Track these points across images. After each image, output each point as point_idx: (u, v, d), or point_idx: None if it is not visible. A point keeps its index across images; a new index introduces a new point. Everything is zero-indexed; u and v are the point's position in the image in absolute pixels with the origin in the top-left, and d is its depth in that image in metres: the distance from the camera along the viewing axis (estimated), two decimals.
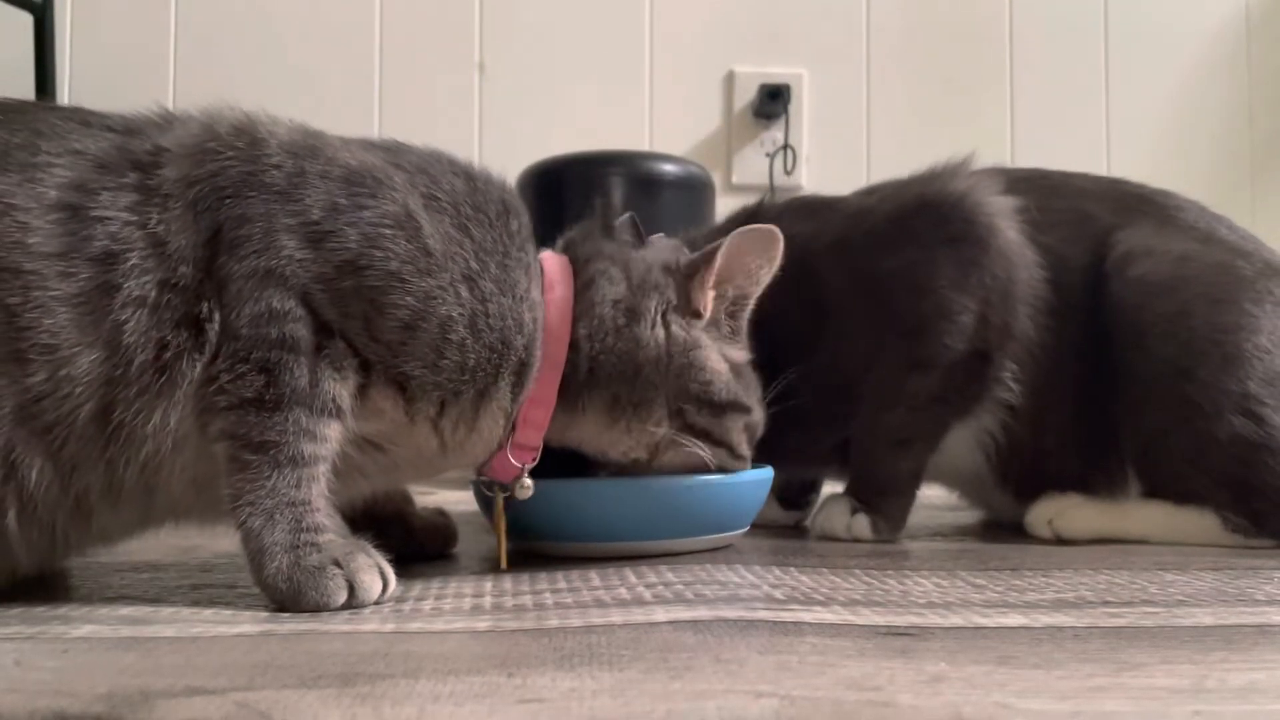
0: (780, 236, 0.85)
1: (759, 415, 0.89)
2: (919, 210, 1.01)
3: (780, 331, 0.99)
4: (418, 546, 0.88)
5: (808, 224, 1.04)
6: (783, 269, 0.98)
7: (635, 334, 0.82)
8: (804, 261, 1.01)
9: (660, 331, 0.83)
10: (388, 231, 0.71)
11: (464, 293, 0.73)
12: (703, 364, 0.84)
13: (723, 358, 0.86)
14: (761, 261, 0.86)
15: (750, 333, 0.91)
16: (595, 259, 0.85)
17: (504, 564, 0.83)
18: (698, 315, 0.85)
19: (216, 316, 0.69)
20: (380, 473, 0.78)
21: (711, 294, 0.85)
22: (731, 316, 0.87)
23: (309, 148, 0.73)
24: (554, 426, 0.81)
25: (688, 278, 0.85)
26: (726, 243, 0.85)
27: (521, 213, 0.80)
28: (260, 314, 0.68)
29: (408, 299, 0.71)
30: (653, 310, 0.83)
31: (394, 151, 0.78)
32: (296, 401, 0.69)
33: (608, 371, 0.81)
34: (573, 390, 0.81)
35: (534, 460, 0.81)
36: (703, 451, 0.84)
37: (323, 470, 0.70)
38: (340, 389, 0.71)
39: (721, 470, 0.86)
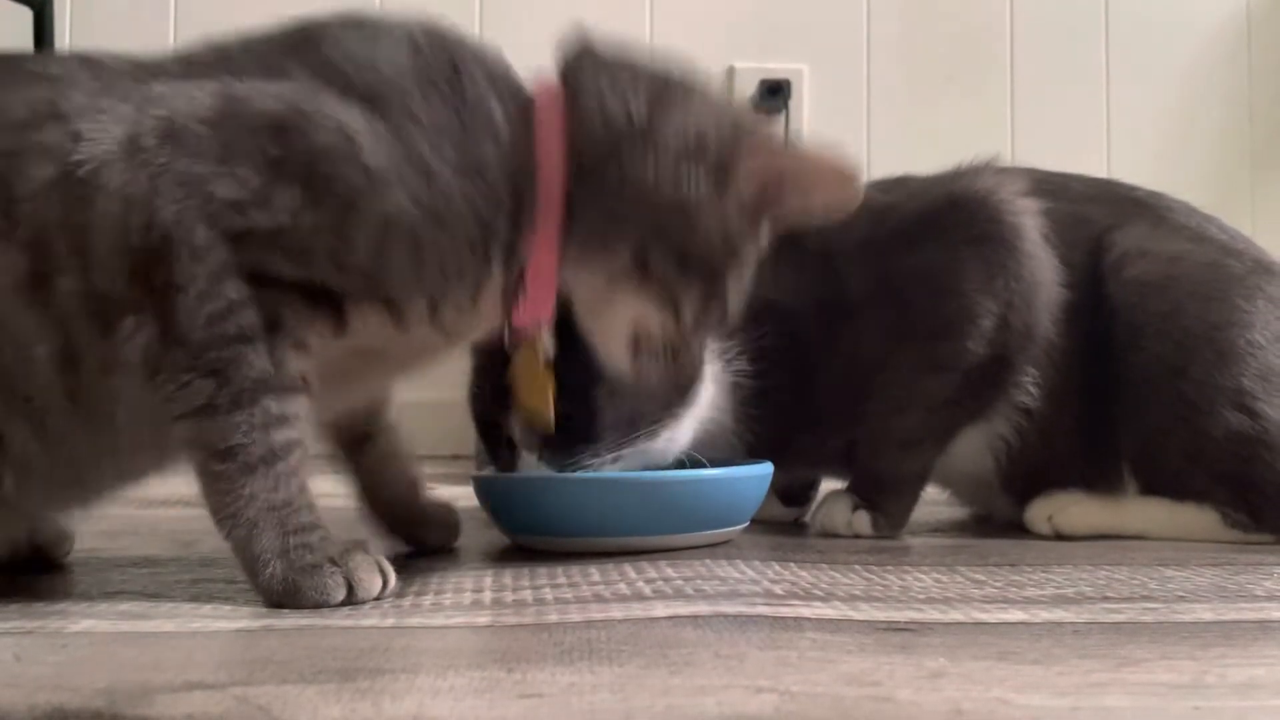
0: (857, 178, 0.77)
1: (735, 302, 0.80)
2: (945, 209, 1.01)
3: (797, 332, 0.99)
4: (421, 539, 0.88)
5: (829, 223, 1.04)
6: (802, 264, 0.97)
7: (635, 157, 0.73)
8: (827, 261, 1.00)
9: (667, 171, 0.73)
10: (326, 170, 0.66)
11: (424, 196, 0.68)
12: (695, 217, 0.74)
13: (721, 220, 0.75)
14: (822, 198, 0.78)
15: (763, 330, 0.90)
16: (592, 85, 0.75)
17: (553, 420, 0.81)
18: (725, 187, 0.74)
19: (145, 331, 0.65)
20: (383, 374, 0.76)
21: (757, 180, 0.76)
22: (756, 211, 0.77)
23: (229, 113, 0.67)
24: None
25: (736, 148, 0.75)
26: (805, 158, 0.77)
27: (478, 65, 0.73)
28: (218, 312, 0.65)
29: (367, 228, 0.67)
30: (669, 148, 0.74)
31: (317, 42, 0.71)
32: (261, 391, 0.65)
33: (590, 188, 0.73)
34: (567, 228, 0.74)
35: (550, 313, 0.76)
36: (659, 312, 0.76)
37: (298, 457, 0.67)
38: (304, 363, 0.67)
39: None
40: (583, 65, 0.78)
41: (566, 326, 0.80)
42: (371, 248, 0.68)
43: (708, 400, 0.95)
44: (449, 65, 0.72)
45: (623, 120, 0.74)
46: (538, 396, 0.82)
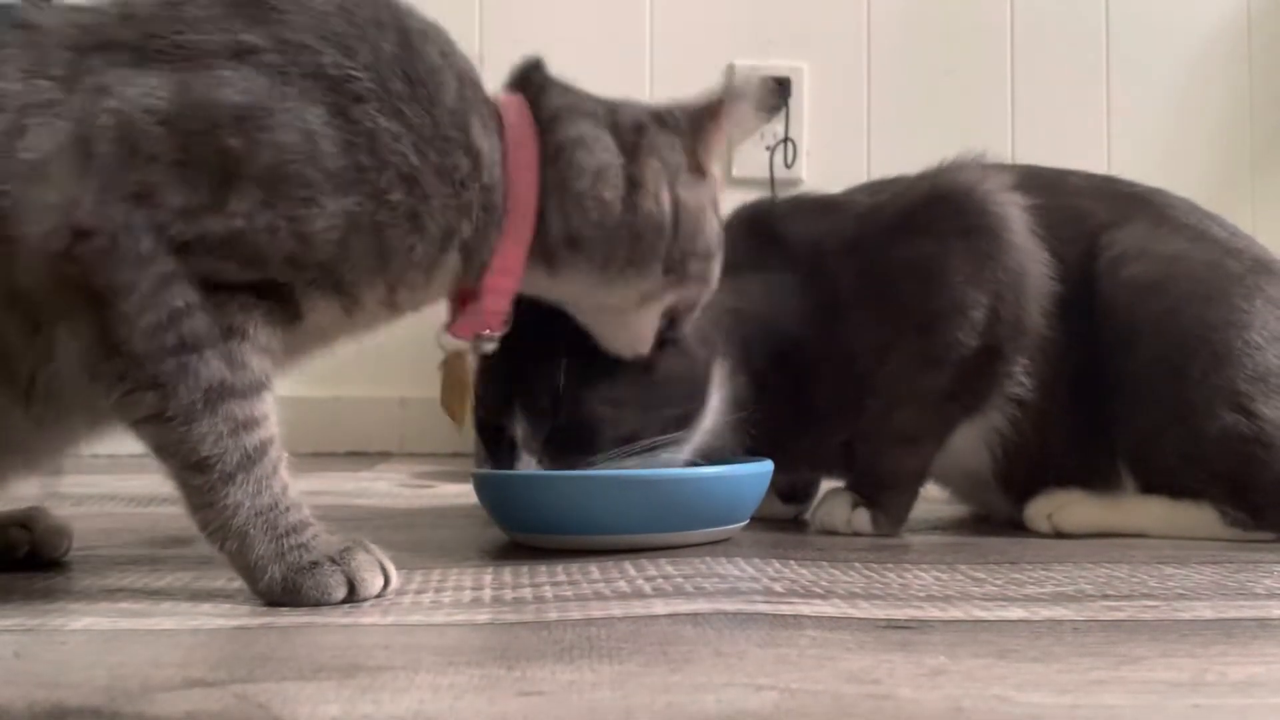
0: (770, 85, 0.85)
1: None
2: (931, 202, 1.01)
3: (793, 333, 0.99)
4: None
5: (819, 224, 1.04)
6: (795, 270, 0.98)
7: (635, 203, 0.77)
8: (817, 261, 1.01)
9: (666, 199, 0.78)
10: (287, 170, 0.64)
11: (389, 193, 0.66)
12: (705, 224, 0.81)
13: (713, 203, 0.82)
14: (758, 109, 0.84)
15: (762, 335, 0.90)
16: (565, 117, 0.77)
17: (463, 423, 0.81)
18: (702, 174, 0.81)
19: (81, 338, 0.63)
20: (319, 348, 0.74)
21: (719, 150, 0.82)
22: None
23: (185, 111, 0.64)
24: (536, 286, 0.78)
25: (694, 134, 0.81)
26: (730, 105, 0.81)
27: (459, 71, 0.72)
28: (158, 323, 0.62)
29: (328, 227, 0.65)
30: (656, 178, 0.78)
31: (283, 25, 0.67)
32: (221, 397, 0.63)
33: (596, 241, 0.76)
34: (547, 254, 0.76)
35: (503, 326, 0.79)
36: (691, 290, 0.82)
37: (275, 455, 0.66)
38: (265, 361, 0.66)
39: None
40: (545, 88, 0.79)
41: (583, 352, 0.84)
42: (332, 246, 0.66)
43: (709, 426, 0.93)
44: (436, 61, 0.70)
45: (605, 152, 0.77)
46: (456, 401, 0.83)
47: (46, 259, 0.62)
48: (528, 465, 0.87)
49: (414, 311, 0.75)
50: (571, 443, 0.86)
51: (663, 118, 0.81)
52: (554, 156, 0.75)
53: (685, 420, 0.91)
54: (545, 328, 0.84)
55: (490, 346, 0.79)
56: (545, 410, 0.86)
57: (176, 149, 0.63)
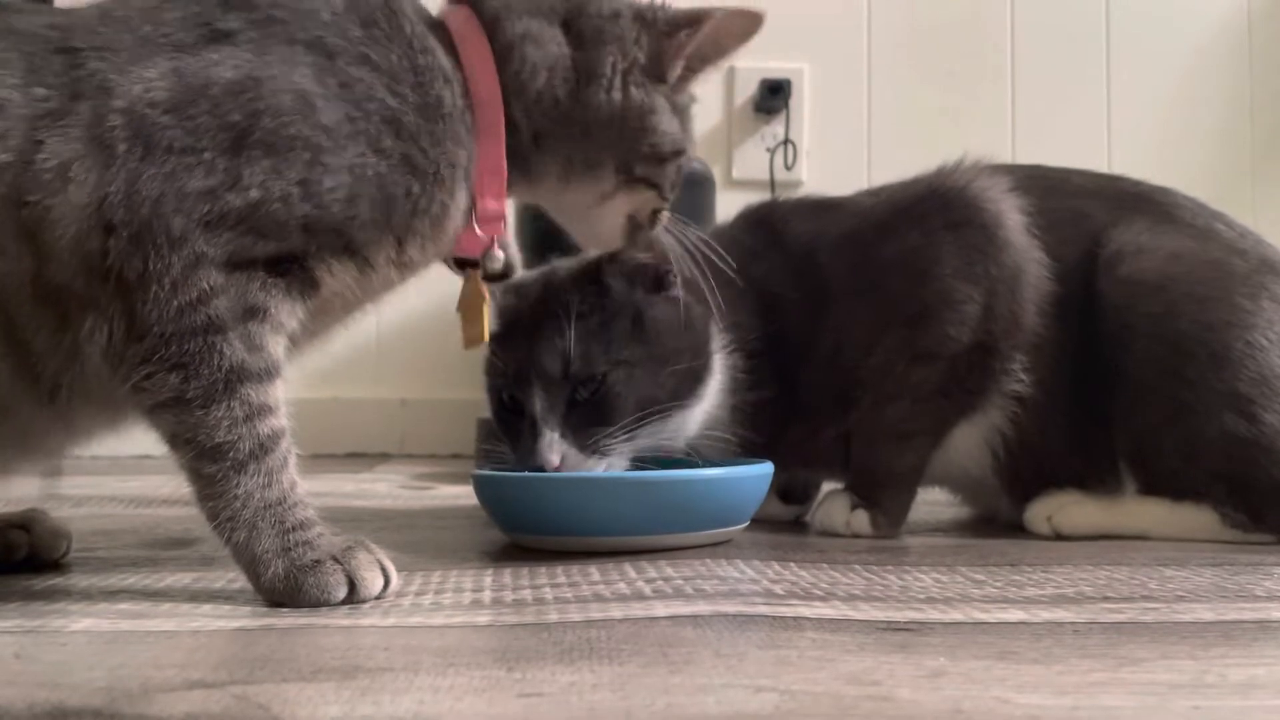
0: (762, 21, 0.83)
1: (689, 148, 0.86)
2: (924, 199, 1.02)
3: (786, 326, 1.00)
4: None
5: (816, 221, 1.05)
6: (790, 265, 0.99)
7: (586, 97, 0.78)
8: (810, 256, 1.02)
9: (617, 95, 0.78)
10: (288, 132, 0.66)
11: (386, 142, 0.69)
12: (656, 126, 0.80)
13: (671, 107, 0.82)
14: (739, 41, 0.83)
15: (757, 326, 0.90)
16: (506, 16, 0.77)
17: (485, 337, 0.82)
18: (662, 80, 0.81)
19: (107, 328, 0.65)
20: (333, 325, 0.76)
21: (682, 62, 0.82)
22: (688, 71, 0.83)
23: (186, 96, 0.66)
24: (512, 191, 0.79)
25: (665, 36, 0.81)
26: (716, 18, 0.82)
27: (403, 2, 0.74)
28: (188, 303, 0.64)
29: (336, 183, 0.67)
30: (610, 70, 0.78)
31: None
32: (238, 380, 0.65)
33: (555, 137, 0.78)
34: (521, 156, 0.78)
35: (502, 231, 0.79)
36: (645, 193, 0.82)
37: (285, 446, 0.67)
38: (280, 342, 0.68)
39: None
40: None
41: (587, 317, 0.88)
42: (342, 202, 0.68)
43: (715, 388, 0.97)
44: (384, 6, 0.72)
45: (554, 45, 0.78)
46: (475, 319, 0.83)
47: (81, 256, 0.64)
48: (549, 442, 0.88)
49: (422, 270, 0.76)
50: (589, 413, 0.89)
51: (643, 14, 0.81)
52: (505, 56, 0.76)
53: (693, 378, 0.94)
54: (548, 305, 0.90)
55: (498, 263, 0.79)
56: (558, 378, 0.89)
57: (187, 134, 0.65)
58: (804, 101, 2.12)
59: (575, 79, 0.78)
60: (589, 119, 0.78)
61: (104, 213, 0.64)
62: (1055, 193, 1.04)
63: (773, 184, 2.07)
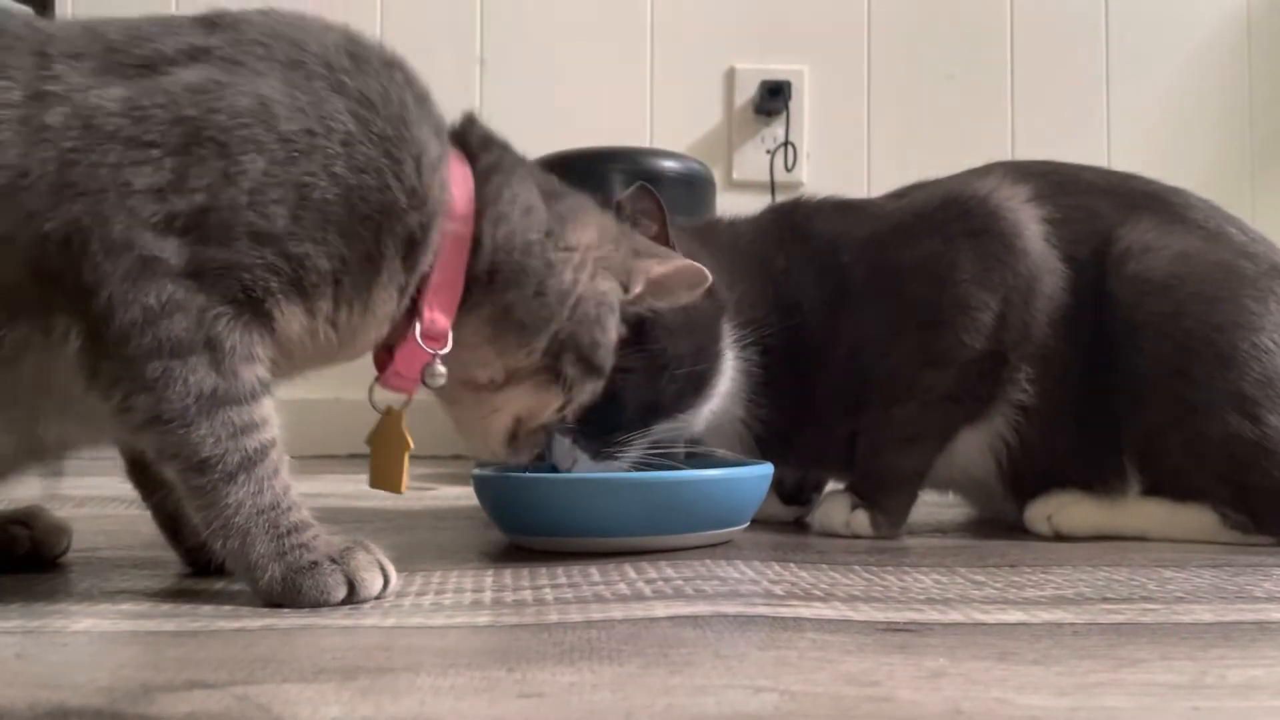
0: (708, 281, 0.86)
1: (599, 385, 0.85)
2: (944, 206, 1.02)
3: (804, 323, 1.00)
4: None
5: (840, 221, 1.06)
6: (813, 264, 1.00)
7: (554, 259, 0.77)
8: (833, 255, 1.03)
9: (585, 274, 0.79)
10: (242, 134, 0.64)
11: (338, 168, 0.66)
12: (606, 325, 0.80)
13: (619, 319, 0.82)
14: (684, 295, 0.87)
15: (775, 321, 0.94)
16: (497, 171, 0.77)
17: (403, 489, 0.80)
18: (625, 290, 0.83)
19: (77, 334, 0.63)
20: (312, 364, 0.74)
21: (644, 287, 0.84)
22: (641, 296, 0.84)
23: (141, 100, 0.65)
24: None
25: (636, 255, 0.84)
26: (680, 263, 0.86)
27: (409, 74, 0.73)
28: (134, 321, 0.62)
29: (284, 196, 0.65)
30: (585, 249, 0.79)
31: (238, 24, 0.70)
32: (216, 404, 0.64)
33: (512, 280, 0.76)
34: (472, 278, 0.75)
35: (444, 348, 0.75)
36: (552, 395, 0.80)
37: (276, 456, 0.66)
38: (259, 369, 0.66)
39: (542, 431, 0.84)
40: (488, 146, 0.79)
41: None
42: (287, 216, 0.65)
43: (724, 391, 0.98)
44: (381, 59, 0.71)
45: (536, 199, 0.78)
46: (391, 464, 0.81)
47: (16, 246, 0.62)
48: (561, 446, 0.89)
49: (357, 343, 0.73)
50: (595, 420, 0.88)
51: (628, 234, 0.85)
52: (485, 179, 0.76)
53: (699, 380, 0.95)
54: None
55: (440, 380, 0.76)
56: None
57: (137, 130, 0.63)
58: (804, 103, 2.12)
59: (551, 238, 0.78)
60: (549, 278, 0.77)
61: (61, 214, 0.61)
62: (1068, 191, 1.04)
63: (773, 185, 2.07)
